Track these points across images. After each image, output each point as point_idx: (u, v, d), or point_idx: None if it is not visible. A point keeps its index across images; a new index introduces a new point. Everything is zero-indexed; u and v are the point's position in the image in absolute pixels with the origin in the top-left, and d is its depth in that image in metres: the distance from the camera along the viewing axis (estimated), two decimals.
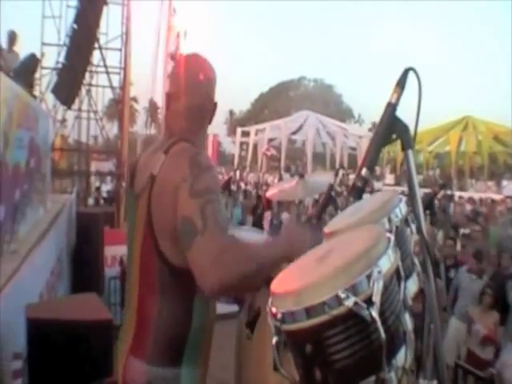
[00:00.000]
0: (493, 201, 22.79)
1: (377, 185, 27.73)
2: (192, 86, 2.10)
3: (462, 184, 34.05)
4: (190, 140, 2.03)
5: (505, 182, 32.29)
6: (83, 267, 7.41)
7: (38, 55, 13.32)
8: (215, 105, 2.19)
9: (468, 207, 20.15)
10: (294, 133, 40.59)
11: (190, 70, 2.12)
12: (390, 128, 1.70)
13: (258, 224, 13.04)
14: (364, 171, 1.66)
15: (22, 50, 9.76)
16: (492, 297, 7.08)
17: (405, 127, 1.69)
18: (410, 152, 1.68)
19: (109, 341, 3.14)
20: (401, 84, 1.69)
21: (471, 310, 7.23)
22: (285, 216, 13.04)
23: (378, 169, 38.76)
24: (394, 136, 1.70)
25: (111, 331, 3.18)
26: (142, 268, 2.02)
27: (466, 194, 27.53)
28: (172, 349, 1.94)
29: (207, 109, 2.16)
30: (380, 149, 1.71)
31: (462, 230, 12.11)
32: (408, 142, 1.68)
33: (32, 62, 8.44)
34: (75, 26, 12.62)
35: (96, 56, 13.86)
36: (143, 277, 2.02)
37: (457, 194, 25.47)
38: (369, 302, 1.19)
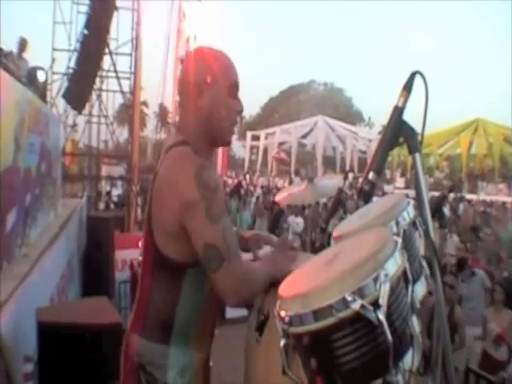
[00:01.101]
0: (504, 203, 22.61)
1: (387, 188, 27.61)
2: (192, 63, 2.10)
3: (473, 187, 33.82)
4: (190, 143, 2.02)
5: None
6: (93, 271, 7.44)
7: (49, 61, 13.45)
8: (229, 109, 2.11)
9: (479, 209, 20.00)
10: (304, 136, 40.54)
11: (197, 67, 2.10)
12: (397, 132, 1.69)
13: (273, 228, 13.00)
14: (371, 175, 1.66)
15: (33, 55, 9.82)
16: (503, 294, 7.03)
17: (412, 131, 1.69)
18: (417, 155, 1.68)
19: (118, 344, 3.15)
20: (407, 88, 1.69)
21: (487, 310, 7.19)
22: (291, 219, 13.00)
23: (388, 172, 38.61)
24: (400, 140, 1.70)
25: (121, 334, 3.18)
26: (143, 253, 2.12)
27: (477, 197, 27.30)
28: (161, 328, 2.03)
29: (214, 109, 2.08)
30: (387, 152, 1.71)
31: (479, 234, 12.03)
32: (415, 145, 1.68)
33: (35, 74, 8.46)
34: (86, 32, 12.68)
35: (106, 61, 13.95)
36: (144, 261, 2.12)
37: (468, 196, 25.31)
38: (375, 304, 1.20)
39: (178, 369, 2.02)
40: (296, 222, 12.84)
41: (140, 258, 2.24)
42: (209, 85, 2.05)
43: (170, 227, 1.93)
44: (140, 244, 2.26)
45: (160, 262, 2.01)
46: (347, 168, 33.32)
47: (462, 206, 19.83)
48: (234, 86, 2.11)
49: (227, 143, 2.21)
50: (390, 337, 1.19)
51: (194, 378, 2.06)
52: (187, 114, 2.10)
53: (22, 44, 9.23)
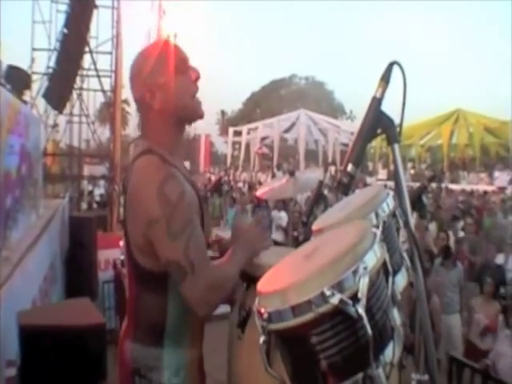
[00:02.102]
0: (485, 192, 22.80)
1: (370, 180, 27.77)
2: (130, 78, 2.12)
3: (455, 176, 34.04)
4: (156, 149, 2.01)
5: (497, 173, 32.23)
6: (77, 272, 7.39)
7: (29, 60, 13.31)
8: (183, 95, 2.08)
9: (460, 199, 20.16)
10: (286, 131, 40.58)
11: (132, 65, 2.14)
12: (376, 122, 1.68)
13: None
14: (350, 167, 1.65)
15: (13, 55, 9.72)
16: (493, 286, 7.10)
17: (390, 121, 1.68)
18: (396, 146, 1.67)
19: (102, 345, 3.13)
20: (385, 78, 1.68)
21: (473, 301, 7.27)
22: (275, 214, 13.01)
23: (370, 164, 38.80)
24: (379, 131, 1.69)
25: (104, 335, 3.17)
26: (127, 267, 2.12)
27: (458, 187, 27.48)
28: (152, 332, 2.03)
29: (172, 98, 2.05)
30: (366, 144, 1.70)
31: (458, 224, 12.12)
32: (394, 136, 1.67)
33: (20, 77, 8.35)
34: (65, 31, 12.54)
35: (87, 60, 13.81)
36: (127, 269, 2.12)
37: (449, 186, 25.50)
38: (355, 298, 1.18)
39: (173, 369, 2.02)
40: (279, 217, 12.84)
41: (122, 258, 2.26)
42: (154, 81, 2.04)
43: (140, 241, 1.94)
44: (121, 243, 2.25)
45: (141, 274, 2.01)
46: (330, 161, 33.44)
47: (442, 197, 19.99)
48: (180, 63, 2.07)
49: (200, 116, 2.17)
50: (369, 330, 1.18)
51: (189, 377, 2.07)
52: (150, 120, 2.09)
53: None
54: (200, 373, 2.16)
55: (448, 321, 7.32)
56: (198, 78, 2.11)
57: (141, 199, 1.89)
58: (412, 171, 34.37)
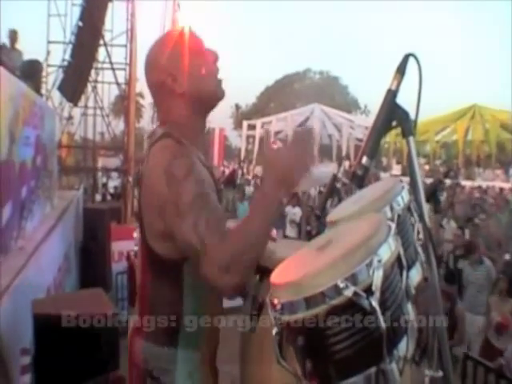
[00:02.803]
0: (501, 189, 22.64)
1: (383, 175, 27.61)
2: (147, 65, 2.08)
3: (470, 173, 33.77)
4: (173, 132, 1.96)
5: None
6: (90, 263, 7.46)
7: (44, 53, 13.42)
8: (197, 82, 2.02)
9: (476, 195, 20.03)
10: (301, 125, 40.42)
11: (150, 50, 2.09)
12: (391, 115, 1.67)
13: None
14: (364, 159, 1.64)
15: (29, 48, 9.81)
16: (507, 282, 7.02)
17: (405, 114, 1.67)
18: (411, 139, 1.66)
19: (114, 335, 3.15)
20: (401, 70, 1.67)
21: (490, 299, 7.20)
22: (288, 209, 12.98)
23: (384, 159, 38.61)
24: (394, 123, 1.68)
25: (117, 326, 3.18)
26: (140, 256, 2.07)
27: (473, 183, 27.28)
28: (167, 330, 1.94)
29: (194, 81, 2.00)
30: (381, 137, 1.69)
31: (475, 220, 12.04)
32: (409, 128, 1.66)
33: (32, 68, 8.42)
34: (80, 24, 12.64)
35: (101, 53, 13.95)
36: (141, 263, 2.06)
37: (464, 183, 25.33)
38: (369, 291, 1.17)
39: (186, 372, 1.94)
40: (293, 212, 12.84)
41: (136, 249, 2.21)
42: (174, 65, 2.00)
43: (156, 226, 1.86)
44: (135, 235, 2.20)
45: (156, 262, 1.94)
46: (344, 156, 33.28)
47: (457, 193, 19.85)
48: (195, 45, 2.04)
49: (220, 97, 2.10)
50: (383, 324, 1.16)
51: (202, 378, 1.99)
52: (173, 106, 2.03)
53: (12, 36, 9.25)
54: (212, 370, 2.08)
55: (471, 320, 7.22)
56: (216, 59, 2.08)
57: (152, 182, 1.84)
58: (427, 167, 34.08)
